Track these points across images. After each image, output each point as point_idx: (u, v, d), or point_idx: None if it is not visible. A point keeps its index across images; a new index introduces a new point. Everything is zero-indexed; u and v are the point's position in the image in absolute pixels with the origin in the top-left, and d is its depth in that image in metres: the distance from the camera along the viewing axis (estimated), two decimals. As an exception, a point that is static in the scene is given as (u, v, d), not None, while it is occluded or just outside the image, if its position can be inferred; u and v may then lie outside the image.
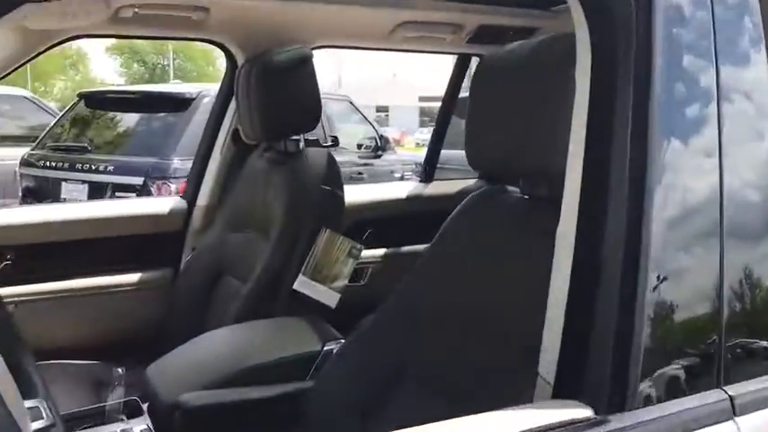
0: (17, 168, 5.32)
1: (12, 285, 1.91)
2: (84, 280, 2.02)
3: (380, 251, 2.44)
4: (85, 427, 1.37)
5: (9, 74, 1.75)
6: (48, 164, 5.09)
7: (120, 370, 1.51)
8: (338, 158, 6.33)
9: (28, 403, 0.96)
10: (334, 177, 1.75)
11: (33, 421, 0.95)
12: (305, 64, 1.79)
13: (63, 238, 1.99)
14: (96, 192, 4.81)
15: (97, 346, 1.96)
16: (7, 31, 1.70)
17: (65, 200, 4.91)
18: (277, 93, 1.75)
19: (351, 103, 6.74)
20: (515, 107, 1.11)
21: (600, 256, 0.85)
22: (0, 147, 6.08)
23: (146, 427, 1.33)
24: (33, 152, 5.29)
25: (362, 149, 6.56)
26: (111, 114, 5.48)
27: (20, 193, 5.27)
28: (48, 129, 5.52)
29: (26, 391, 1.01)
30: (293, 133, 1.85)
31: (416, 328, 1.27)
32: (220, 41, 2.03)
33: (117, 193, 4.69)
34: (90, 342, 1.98)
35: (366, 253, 2.42)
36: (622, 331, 0.83)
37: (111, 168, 4.79)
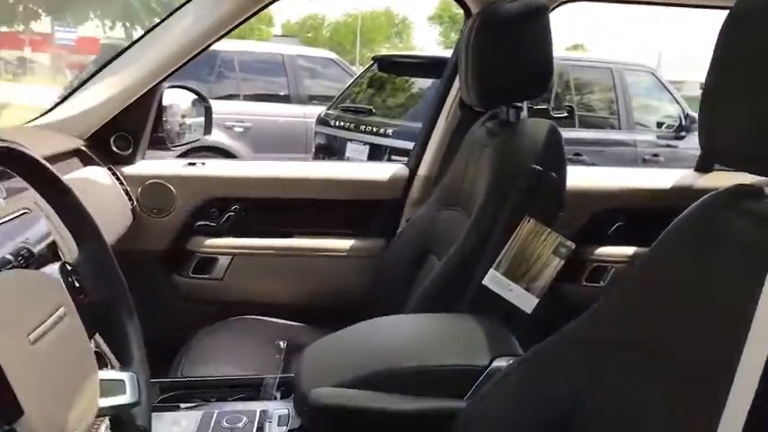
0: (313, 126, 5.76)
1: (232, 237, 1.97)
2: (301, 240, 2.00)
3: (629, 250, 2.03)
4: (237, 398, 1.32)
5: (230, 32, 1.74)
6: (338, 123, 5.41)
7: (281, 343, 1.42)
8: (632, 137, 5.78)
9: (114, 375, 0.89)
10: (552, 156, 1.43)
11: (114, 395, 0.87)
12: (536, 17, 1.48)
13: (286, 195, 1.99)
14: (376, 154, 4.99)
15: (303, 307, 1.94)
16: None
17: (348, 159, 5.19)
18: (496, 49, 1.48)
19: (654, 75, 6.00)
20: None
21: None
22: (308, 105, 6.64)
23: (285, 413, 1.23)
24: (328, 111, 5.66)
25: (663, 129, 5.84)
26: (399, 79, 5.63)
27: (313, 150, 5.71)
28: (343, 90, 5.86)
29: (123, 361, 0.94)
30: (515, 99, 1.56)
31: (603, 359, 0.96)
32: None
33: (393, 157, 4.80)
34: (296, 303, 1.97)
35: (611, 250, 2.05)
36: None
37: (389, 132, 4.91)
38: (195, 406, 1.24)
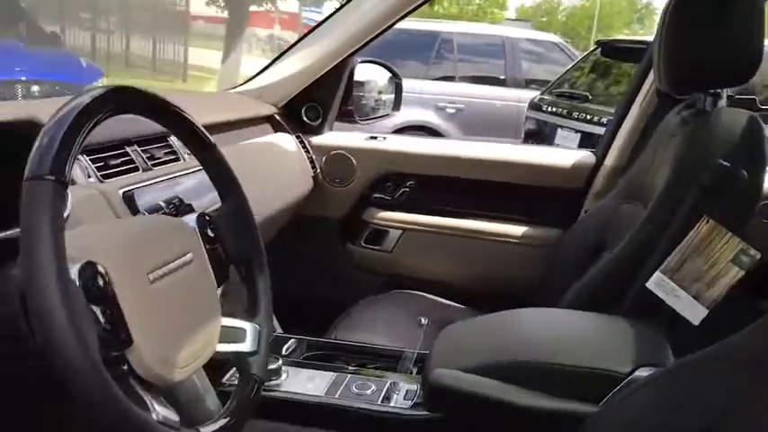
0: (525, 111, 5.63)
1: (405, 211, 2.00)
2: (472, 222, 1.97)
3: None
4: (375, 367, 1.34)
5: (416, 9, 1.73)
6: (550, 109, 5.23)
7: (423, 319, 1.41)
8: None
9: (237, 323, 0.94)
10: (746, 152, 1.24)
11: (234, 342, 0.92)
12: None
13: (462, 175, 1.96)
14: (586, 143, 4.75)
15: (466, 289, 1.92)
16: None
17: (557, 146, 5.00)
18: (692, 31, 1.32)
19: None
20: None
21: None
22: (524, 90, 6.49)
23: (414, 388, 1.22)
24: (542, 96, 5.49)
25: None
26: (626, 65, 5.28)
27: (522, 135, 5.59)
28: (560, 75, 5.64)
29: (248, 312, 0.99)
30: (711, 86, 1.38)
31: (763, 376, 0.83)
32: None
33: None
34: (460, 283, 1.95)
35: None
36: None
37: (603, 120, 4.64)
38: (333, 367, 1.28)
